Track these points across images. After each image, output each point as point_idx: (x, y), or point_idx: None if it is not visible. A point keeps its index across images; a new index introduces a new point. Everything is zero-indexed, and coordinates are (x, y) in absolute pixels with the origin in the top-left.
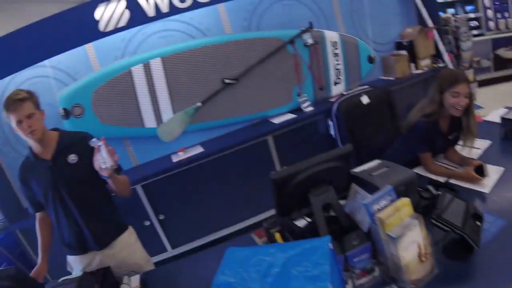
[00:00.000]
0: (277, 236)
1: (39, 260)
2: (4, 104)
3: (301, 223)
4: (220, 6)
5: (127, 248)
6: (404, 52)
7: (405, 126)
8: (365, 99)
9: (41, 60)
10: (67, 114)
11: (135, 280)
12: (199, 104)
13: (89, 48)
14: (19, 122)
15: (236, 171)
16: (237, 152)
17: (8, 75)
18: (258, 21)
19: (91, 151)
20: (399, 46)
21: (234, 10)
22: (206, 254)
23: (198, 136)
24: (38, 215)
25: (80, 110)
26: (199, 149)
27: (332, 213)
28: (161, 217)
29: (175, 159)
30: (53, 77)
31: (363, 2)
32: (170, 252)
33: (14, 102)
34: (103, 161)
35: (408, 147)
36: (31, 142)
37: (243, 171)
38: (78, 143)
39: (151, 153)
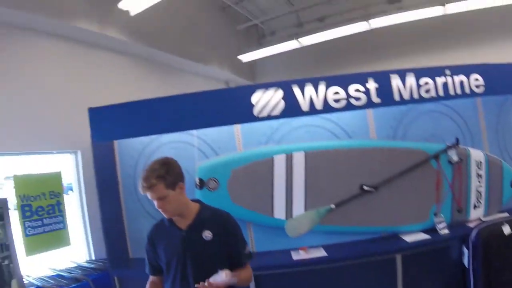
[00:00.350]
0: None
1: None
2: (139, 182)
3: None
4: (369, 110)
5: None
6: None
7: None
8: (506, 229)
9: (191, 129)
10: (201, 185)
11: None
12: (332, 206)
13: (237, 128)
14: (152, 199)
15: (353, 284)
16: (359, 265)
17: (157, 134)
18: (404, 130)
19: (226, 231)
20: None
21: (382, 116)
22: None
23: (321, 238)
24: (152, 277)
25: (215, 185)
26: (321, 252)
27: None
28: None
29: (295, 256)
30: (197, 147)
31: (510, 120)
32: None
33: (143, 188)
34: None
35: None
36: None
37: (358, 286)
38: (216, 220)
39: (270, 243)
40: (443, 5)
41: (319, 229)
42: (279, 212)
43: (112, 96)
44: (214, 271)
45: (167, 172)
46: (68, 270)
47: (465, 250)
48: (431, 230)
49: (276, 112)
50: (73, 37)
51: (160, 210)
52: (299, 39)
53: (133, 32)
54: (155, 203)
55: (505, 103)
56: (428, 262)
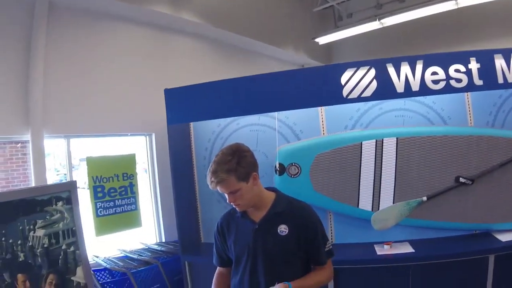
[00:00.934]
0: None
1: None
2: (206, 175)
3: None
4: (467, 94)
5: None
6: None
7: None
8: None
9: (272, 111)
10: (282, 170)
11: None
12: (424, 198)
13: (322, 110)
14: (223, 193)
15: (439, 284)
16: (446, 263)
17: (236, 116)
18: (504, 117)
19: (305, 226)
20: None
21: (480, 101)
22: None
23: (407, 232)
24: (219, 268)
25: (297, 171)
26: (408, 248)
27: None
28: None
29: (379, 251)
30: (278, 130)
31: None
32: None
33: (212, 183)
34: None
35: None
36: None
37: (447, 286)
38: (294, 213)
39: (352, 236)
40: None
41: (405, 223)
42: (365, 203)
43: (187, 80)
44: (288, 269)
45: (238, 163)
46: (138, 252)
47: None
48: None
49: (368, 93)
50: (149, 21)
51: (232, 204)
52: (381, 20)
53: (207, 15)
54: (226, 196)
55: None
56: None
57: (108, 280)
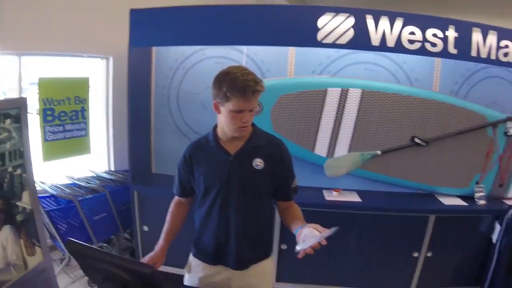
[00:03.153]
0: None
1: (158, 247)
2: (237, 86)
3: None
4: (438, 60)
5: (260, 276)
6: None
7: None
8: None
9: (242, 44)
10: None
11: None
12: (378, 152)
13: (292, 52)
14: (239, 112)
15: (378, 236)
16: (389, 217)
17: (203, 44)
18: (468, 89)
19: (280, 162)
20: None
21: (450, 70)
22: None
23: (356, 182)
24: (178, 198)
25: (258, 109)
26: (355, 197)
27: None
28: None
29: (327, 196)
30: (245, 65)
31: None
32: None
33: (254, 92)
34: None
35: None
36: (226, 129)
37: (384, 240)
38: (271, 148)
39: (303, 179)
40: None
41: (357, 173)
42: (321, 149)
43: (155, 1)
44: (258, 203)
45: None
46: (86, 180)
47: (497, 226)
48: (468, 198)
49: (343, 40)
50: None
51: (241, 125)
52: None
53: None
54: (242, 116)
55: None
56: (458, 228)
57: (54, 207)
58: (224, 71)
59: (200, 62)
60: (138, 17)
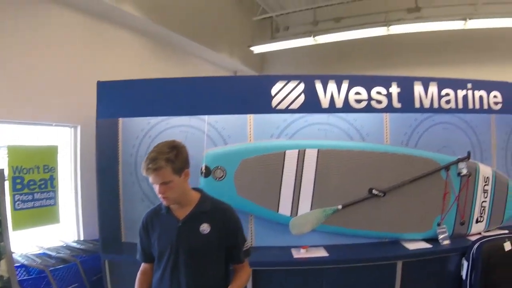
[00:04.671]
0: None
1: None
2: (143, 162)
3: None
4: (386, 115)
5: None
6: None
7: None
8: (507, 246)
9: (203, 114)
10: (207, 172)
11: None
12: (339, 207)
13: (250, 118)
14: (153, 184)
15: (349, 286)
16: (358, 268)
17: (167, 115)
18: (418, 138)
19: (226, 226)
20: None
21: (398, 122)
22: None
23: (323, 238)
24: (143, 266)
25: (222, 174)
26: (323, 252)
27: None
28: None
29: (296, 254)
30: (207, 133)
31: None
32: None
33: (149, 169)
34: None
35: None
36: None
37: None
38: (217, 213)
39: (270, 239)
40: (465, 19)
41: (322, 229)
42: (285, 208)
43: (121, 73)
44: (208, 266)
45: (176, 156)
46: (56, 249)
47: (465, 262)
48: (433, 240)
49: (295, 106)
50: (86, 8)
51: (160, 196)
52: (315, 37)
53: (148, 10)
54: (157, 188)
55: None
56: (427, 271)
57: (25, 277)
58: None
59: (165, 131)
60: (105, 89)
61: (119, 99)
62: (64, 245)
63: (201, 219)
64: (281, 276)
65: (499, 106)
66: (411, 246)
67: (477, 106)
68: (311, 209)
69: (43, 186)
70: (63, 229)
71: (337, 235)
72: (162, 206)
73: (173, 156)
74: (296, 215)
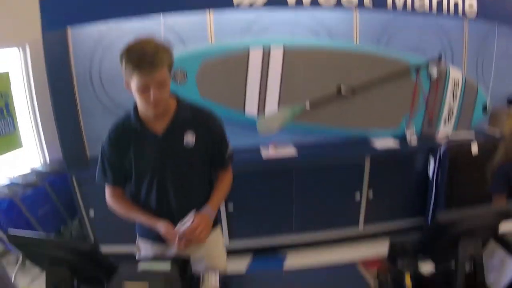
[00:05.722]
0: (408, 281)
1: (159, 227)
2: (132, 58)
3: (426, 267)
4: (356, 13)
5: (210, 247)
6: None
7: (490, 171)
8: (474, 149)
9: (158, 12)
10: None
11: (215, 278)
12: (307, 105)
13: (210, 17)
14: (144, 88)
15: (320, 181)
16: (327, 165)
17: (117, 17)
18: (388, 38)
19: (210, 132)
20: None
21: (367, 21)
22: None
23: (291, 136)
24: (114, 189)
25: (182, 77)
26: (291, 150)
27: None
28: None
29: (265, 155)
30: (163, 36)
31: (493, 48)
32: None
33: (150, 64)
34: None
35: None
36: (140, 108)
37: (326, 185)
38: (199, 120)
39: (238, 140)
40: None
41: (290, 127)
42: (251, 108)
43: None
44: (197, 179)
45: (170, 53)
46: (23, 177)
47: (432, 162)
48: (401, 139)
49: (259, 2)
50: None
51: (152, 103)
52: None
53: None
54: (150, 93)
55: (489, 35)
56: (394, 169)
57: None
58: (127, 43)
59: (119, 39)
60: None
61: (64, 6)
62: (30, 170)
63: (183, 130)
64: (252, 177)
65: (473, 13)
66: (379, 144)
67: (452, 11)
68: (278, 108)
69: None
70: (28, 155)
71: (306, 133)
72: (132, 119)
73: (170, 51)
74: (264, 114)
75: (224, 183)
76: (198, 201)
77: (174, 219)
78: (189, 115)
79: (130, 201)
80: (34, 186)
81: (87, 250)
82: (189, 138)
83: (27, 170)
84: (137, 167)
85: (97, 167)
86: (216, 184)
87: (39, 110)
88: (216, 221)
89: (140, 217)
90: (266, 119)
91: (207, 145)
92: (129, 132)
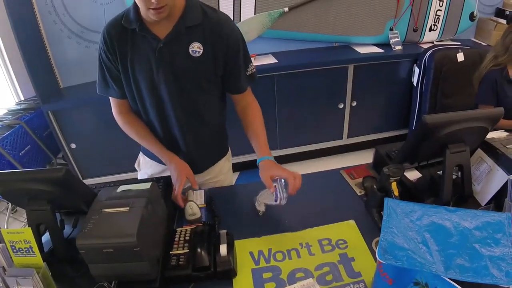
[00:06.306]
0: (394, 186)
1: (170, 163)
2: None
3: (411, 175)
4: None
5: (217, 175)
6: (503, 21)
7: (476, 78)
8: (460, 57)
9: None
10: None
11: (200, 196)
12: (286, 9)
13: None
14: None
15: (302, 91)
16: (309, 73)
17: None
18: None
19: (225, 43)
20: (499, 13)
21: None
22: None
23: (270, 45)
24: (119, 102)
25: None
26: (271, 59)
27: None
28: None
29: None
30: None
31: None
32: None
33: None
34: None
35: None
36: (143, 12)
37: (310, 94)
38: (211, 26)
39: None
40: None
41: (268, 35)
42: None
43: None
44: (203, 99)
45: None
46: None
47: (416, 69)
48: (385, 45)
49: None
50: None
51: (156, 6)
52: None
53: None
54: None
55: None
56: (378, 75)
57: None
58: None
59: None
60: None
61: None
62: (5, 111)
63: (189, 37)
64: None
65: None
66: (363, 50)
67: None
68: (255, 14)
69: None
70: (1, 97)
71: (286, 40)
72: (130, 17)
73: None
74: (240, 21)
75: (261, 119)
76: (204, 124)
77: (177, 142)
78: (199, 19)
79: (141, 123)
80: (11, 126)
81: (60, 177)
82: (196, 47)
83: (2, 113)
84: (135, 78)
85: (97, 75)
86: (251, 121)
87: (5, 47)
88: (226, 147)
89: (152, 148)
90: (242, 26)
91: (218, 59)
92: (125, 33)
